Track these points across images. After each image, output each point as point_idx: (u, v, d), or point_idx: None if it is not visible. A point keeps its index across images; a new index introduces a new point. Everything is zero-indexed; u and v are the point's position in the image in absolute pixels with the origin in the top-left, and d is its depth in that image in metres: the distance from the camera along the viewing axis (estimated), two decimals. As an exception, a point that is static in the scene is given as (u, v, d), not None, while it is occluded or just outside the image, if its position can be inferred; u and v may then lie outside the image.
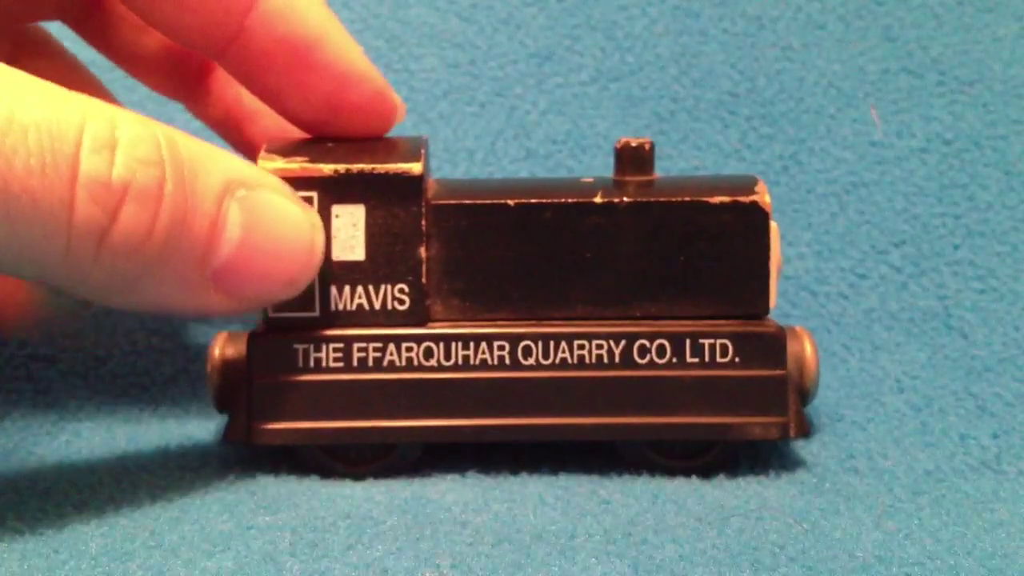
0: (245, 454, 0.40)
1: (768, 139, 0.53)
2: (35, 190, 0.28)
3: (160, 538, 0.32)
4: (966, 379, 0.46)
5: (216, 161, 0.32)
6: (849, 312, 0.50)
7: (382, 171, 0.36)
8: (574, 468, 0.38)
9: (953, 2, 0.54)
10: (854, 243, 0.51)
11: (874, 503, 0.36)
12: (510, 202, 0.37)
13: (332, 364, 0.36)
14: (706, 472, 0.38)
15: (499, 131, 0.53)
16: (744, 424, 0.37)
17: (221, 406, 0.38)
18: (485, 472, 0.38)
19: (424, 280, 0.37)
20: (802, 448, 0.41)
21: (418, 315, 0.37)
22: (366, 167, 0.36)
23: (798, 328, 0.40)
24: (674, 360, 0.37)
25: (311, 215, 0.35)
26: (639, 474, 0.38)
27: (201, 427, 0.44)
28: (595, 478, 0.38)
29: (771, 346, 0.37)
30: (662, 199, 0.37)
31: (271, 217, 0.34)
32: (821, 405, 0.44)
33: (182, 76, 0.45)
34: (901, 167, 0.52)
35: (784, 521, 0.34)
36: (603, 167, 0.53)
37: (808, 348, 0.39)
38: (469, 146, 0.53)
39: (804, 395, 0.39)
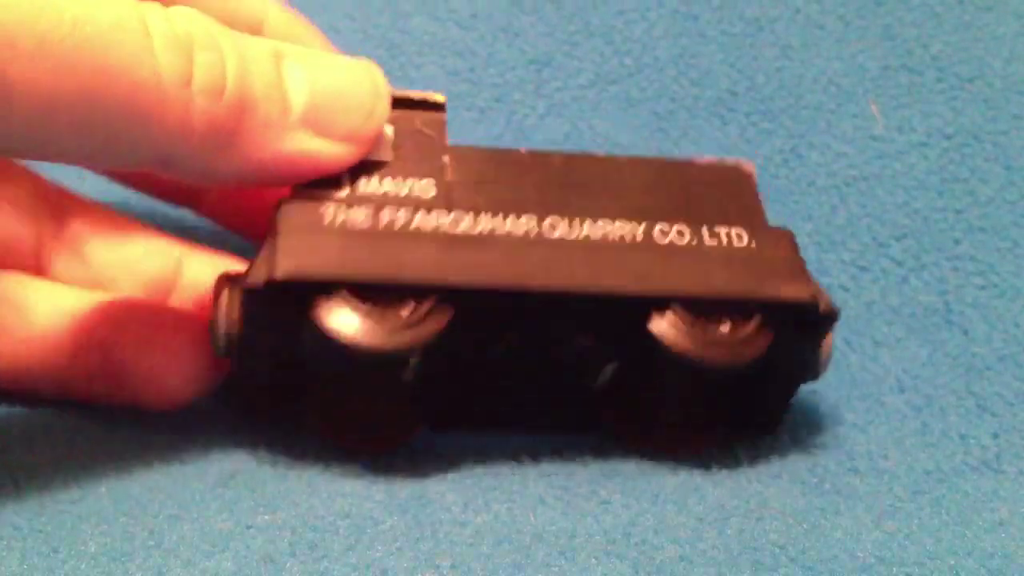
0: (245, 455, 0.40)
1: (768, 133, 0.53)
2: (114, 43, 0.31)
3: (160, 538, 0.32)
4: (967, 377, 0.46)
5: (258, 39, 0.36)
6: (850, 305, 0.50)
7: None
8: (574, 468, 0.39)
9: (953, 1, 0.54)
10: (855, 236, 0.51)
11: (874, 503, 0.36)
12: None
13: (360, 223, 0.36)
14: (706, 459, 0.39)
15: (498, 135, 0.53)
16: (773, 285, 0.38)
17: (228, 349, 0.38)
18: (485, 472, 0.38)
19: (449, 178, 0.38)
20: (802, 448, 0.41)
21: (444, 201, 0.37)
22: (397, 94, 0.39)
23: None
24: (693, 242, 0.38)
25: (363, 60, 0.38)
26: (639, 474, 0.38)
27: (201, 427, 0.44)
28: (595, 478, 0.38)
29: (783, 237, 0.39)
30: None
31: (328, 63, 0.37)
32: (821, 404, 0.45)
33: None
34: (901, 161, 0.52)
35: (784, 521, 0.34)
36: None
37: None
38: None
39: None
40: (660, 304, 0.37)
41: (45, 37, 0.30)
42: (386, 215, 0.36)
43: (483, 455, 0.39)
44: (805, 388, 0.42)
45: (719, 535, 0.33)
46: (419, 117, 0.39)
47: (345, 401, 0.39)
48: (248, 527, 0.33)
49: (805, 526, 0.33)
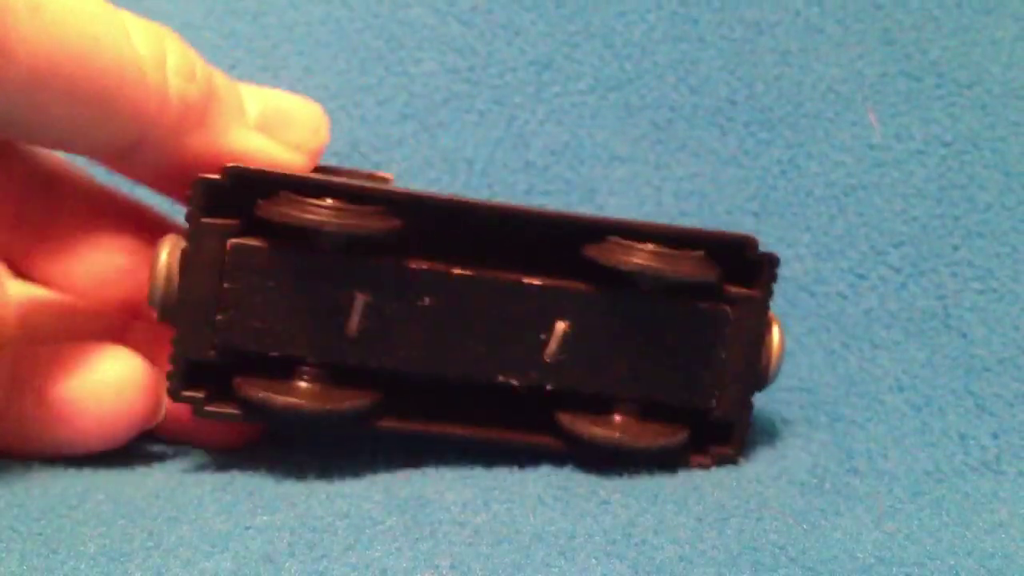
0: (245, 455, 0.40)
1: (766, 144, 0.53)
2: (102, 22, 0.35)
3: (159, 538, 0.32)
4: (966, 379, 0.46)
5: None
6: (848, 312, 0.50)
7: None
8: (574, 468, 0.38)
9: (951, 5, 0.54)
10: (853, 244, 0.51)
11: (874, 503, 0.36)
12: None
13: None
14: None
15: (498, 140, 0.53)
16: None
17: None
18: (485, 472, 0.38)
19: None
20: (802, 448, 0.41)
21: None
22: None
23: None
24: None
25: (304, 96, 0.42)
26: (638, 474, 0.38)
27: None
28: (595, 478, 0.38)
29: None
30: None
31: (275, 91, 0.41)
32: (821, 404, 0.45)
33: None
34: (900, 169, 0.52)
35: (784, 521, 0.34)
36: (601, 177, 0.53)
37: None
38: (468, 156, 0.53)
39: None
40: (599, 232, 0.38)
41: (39, 5, 0.33)
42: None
43: (483, 455, 0.39)
44: (805, 389, 0.42)
45: (719, 535, 0.33)
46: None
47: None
48: (247, 528, 0.33)
49: (805, 526, 0.33)
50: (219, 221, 0.37)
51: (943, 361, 0.47)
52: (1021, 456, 0.40)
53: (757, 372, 0.39)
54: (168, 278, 0.37)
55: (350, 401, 0.37)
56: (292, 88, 0.49)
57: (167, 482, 0.37)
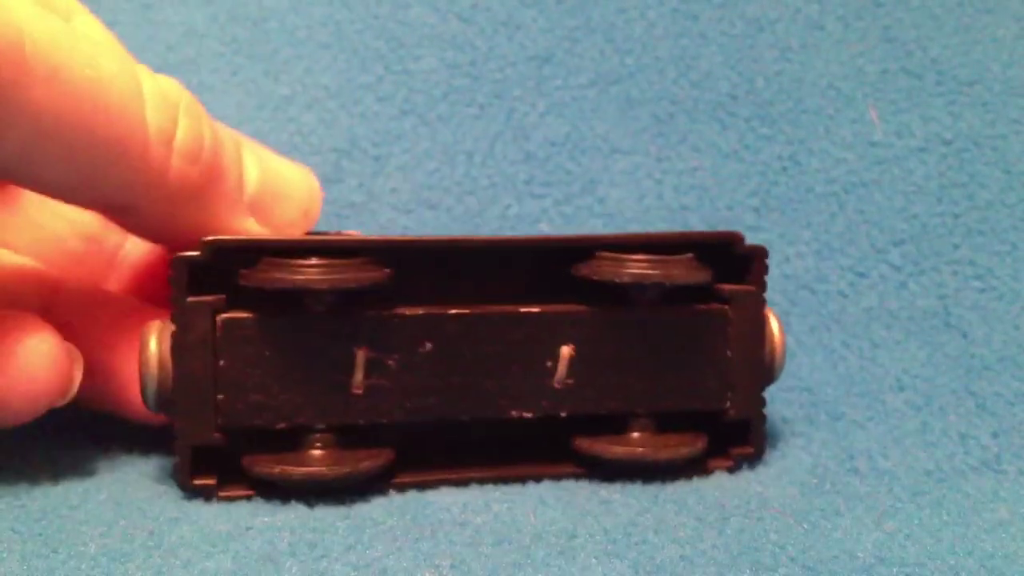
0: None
1: (767, 139, 0.53)
2: (115, 89, 0.34)
3: (159, 539, 0.32)
4: (966, 378, 0.46)
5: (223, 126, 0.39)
6: (849, 311, 0.50)
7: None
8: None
9: (952, 3, 0.54)
10: (854, 242, 0.51)
11: (874, 503, 0.36)
12: None
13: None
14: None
15: (499, 133, 0.53)
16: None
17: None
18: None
19: None
20: (802, 448, 0.41)
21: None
22: None
23: None
24: None
25: (304, 166, 0.41)
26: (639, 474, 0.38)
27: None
28: (595, 479, 0.38)
29: None
30: None
31: (275, 162, 0.40)
32: (821, 404, 0.44)
33: None
34: (900, 167, 0.52)
35: (784, 521, 0.34)
36: (601, 169, 0.53)
37: None
38: (468, 148, 0.53)
39: None
40: (586, 250, 0.38)
41: (59, 68, 0.33)
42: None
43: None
44: (805, 389, 0.42)
45: (719, 535, 0.33)
46: None
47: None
48: (248, 528, 0.33)
49: (805, 526, 0.33)
50: (205, 298, 0.36)
51: (943, 360, 0.47)
52: (1021, 455, 0.40)
53: (764, 366, 0.39)
54: (160, 366, 0.36)
55: (367, 461, 0.36)
56: (292, 88, 0.49)
57: (168, 482, 0.37)
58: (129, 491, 0.36)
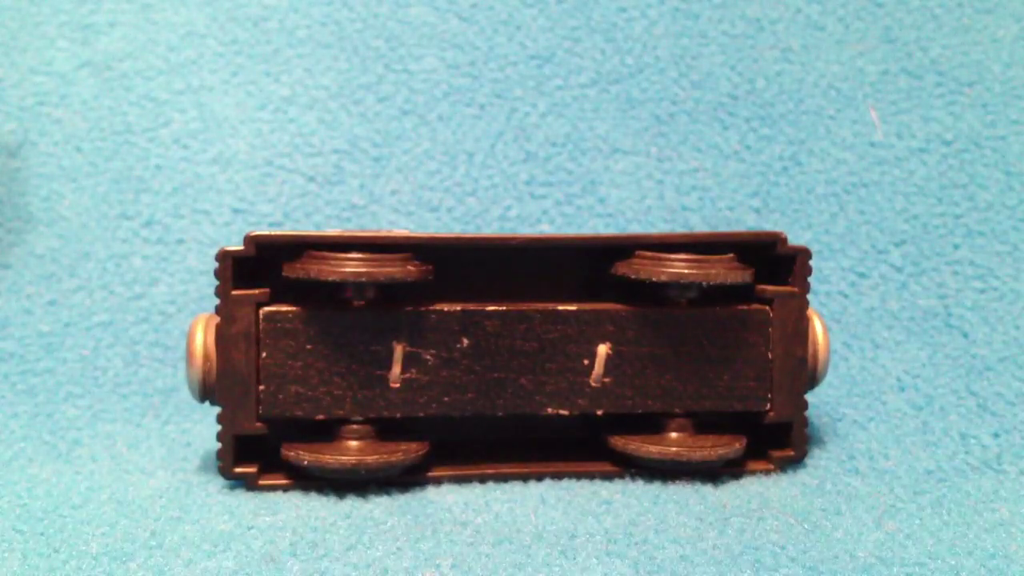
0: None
1: (768, 140, 0.53)
2: None
3: (160, 538, 0.32)
4: (967, 378, 0.46)
5: None
6: (850, 311, 0.50)
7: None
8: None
9: (952, 4, 0.54)
10: (854, 243, 0.51)
11: (875, 503, 0.36)
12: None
13: None
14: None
15: (499, 133, 0.53)
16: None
17: None
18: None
19: None
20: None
21: None
22: None
23: None
24: None
25: None
26: (638, 474, 0.38)
27: (201, 430, 0.44)
28: (596, 479, 0.38)
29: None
30: None
31: None
32: (822, 404, 0.44)
33: None
34: (901, 167, 0.52)
35: (785, 521, 0.34)
36: (602, 168, 0.53)
37: None
38: (468, 148, 0.53)
39: None
40: (626, 249, 0.38)
41: None
42: None
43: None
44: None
45: (719, 535, 0.33)
46: None
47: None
48: (249, 528, 0.33)
49: (805, 526, 0.33)
50: (248, 292, 0.37)
51: (944, 360, 0.47)
52: (1022, 455, 0.40)
53: (806, 368, 0.39)
54: (205, 357, 0.37)
55: (403, 453, 0.37)
56: (292, 89, 0.49)
57: (169, 482, 0.37)
58: (131, 491, 0.36)
